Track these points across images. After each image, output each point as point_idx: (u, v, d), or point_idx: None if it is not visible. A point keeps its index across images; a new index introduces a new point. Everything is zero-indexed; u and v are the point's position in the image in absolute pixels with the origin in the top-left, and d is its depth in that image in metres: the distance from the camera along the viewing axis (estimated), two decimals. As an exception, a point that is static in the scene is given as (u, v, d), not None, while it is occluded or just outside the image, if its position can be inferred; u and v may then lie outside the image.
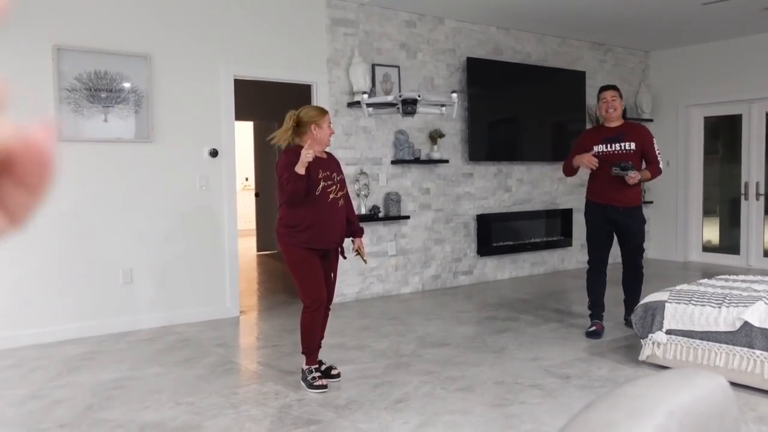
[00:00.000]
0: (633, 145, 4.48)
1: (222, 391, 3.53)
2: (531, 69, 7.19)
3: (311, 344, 3.61)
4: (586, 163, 4.45)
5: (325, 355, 4.12)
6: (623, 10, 6.46)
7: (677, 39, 7.84)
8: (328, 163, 3.61)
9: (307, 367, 3.60)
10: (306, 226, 3.48)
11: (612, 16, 6.70)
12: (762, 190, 7.69)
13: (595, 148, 4.52)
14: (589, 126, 7.86)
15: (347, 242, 3.80)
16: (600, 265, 4.65)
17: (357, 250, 3.80)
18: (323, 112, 3.59)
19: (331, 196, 3.53)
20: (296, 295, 3.58)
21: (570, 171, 4.71)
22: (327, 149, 3.74)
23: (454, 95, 4.31)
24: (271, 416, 3.17)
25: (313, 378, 3.54)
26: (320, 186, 3.49)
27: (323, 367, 3.70)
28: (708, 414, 0.72)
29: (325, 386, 3.53)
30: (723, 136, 8.33)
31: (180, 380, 3.74)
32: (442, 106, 4.45)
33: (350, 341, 4.57)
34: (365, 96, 4.32)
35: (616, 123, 4.57)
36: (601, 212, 4.60)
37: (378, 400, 3.36)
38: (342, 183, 3.65)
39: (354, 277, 6.06)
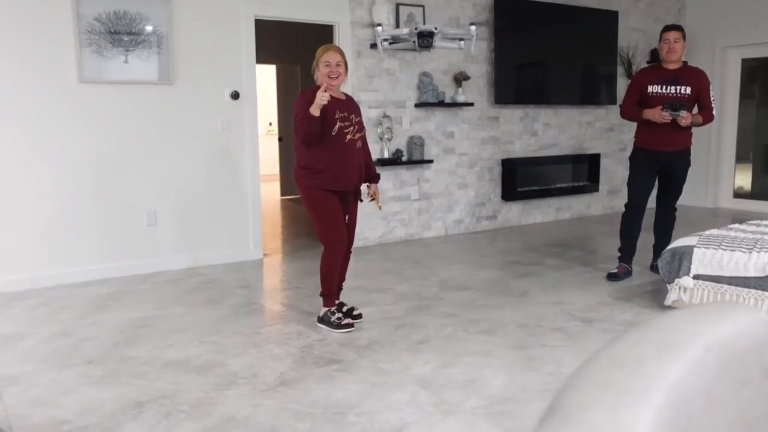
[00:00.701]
0: (689, 89, 4.36)
1: (245, 331, 3.57)
2: (561, 8, 6.93)
3: (331, 286, 3.61)
4: (658, 118, 4.32)
5: (347, 297, 4.13)
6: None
7: (716, -25, 7.47)
8: (346, 105, 3.54)
9: (327, 309, 3.62)
10: (323, 167, 3.44)
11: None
12: (799, 135, 7.42)
13: (650, 88, 4.41)
14: (620, 69, 7.61)
15: (363, 187, 3.76)
16: (640, 209, 4.59)
17: (372, 196, 3.76)
18: (323, 50, 3.47)
19: (348, 137, 3.47)
20: (318, 239, 3.56)
21: (632, 117, 4.55)
22: (348, 92, 3.65)
23: (473, 28, 4.12)
24: (293, 355, 3.20)
25: (339, 318, 3.56)
26: (336, 126, 3.42)
27: (345, 309, 3.71)
28: (747, 350, 0.67)
29: (351, 325, 3.56)
30: (761, 80, 8.01)
31: (204, 320, 3.79)
32: (461, 39, 4.28)
33: (373, 284, 4.57)
34: (379, 29, 4.14)
35: (675, 65, 4.43)
36: (651, 158, 4.50)
37: (399, 341, 3.37)
38: (360, 125, 3.57)
39: (377, 221, 6.04)
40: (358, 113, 3.61)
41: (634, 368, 0.58)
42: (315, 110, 3.28)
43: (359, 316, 3.72)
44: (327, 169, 3.44)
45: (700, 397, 0.59)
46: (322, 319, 3.62)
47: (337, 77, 3.45)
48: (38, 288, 4.57)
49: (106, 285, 4.64)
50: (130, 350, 3.30)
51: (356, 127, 3.53)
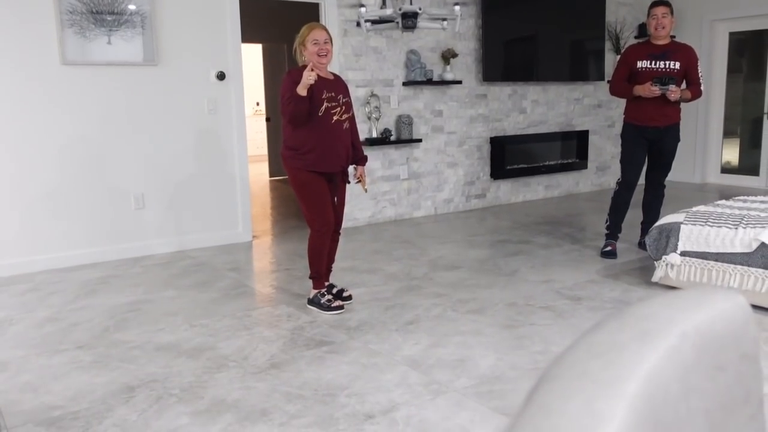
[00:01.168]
0: (677, 65, 4.38)
1: (235, 314, 3.58)
2: (549, -17, 6.87)
3: (320, 268, 3.60)
4: (647, 93, 4.33)
5: (337, 278, 4.14)
6: None
7: (704, -51, 7.43)
8: (333, 85, 3.49)
9: (317, 291, 3.62)
10: (309, 148, 3.40)
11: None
12: (786, 110, 7.45)
13: (639, 64, 4.42)
14: (608, 44, 7.59)
15: (350, 168, 3.73)
16: (632, 186, 4.61)
17: (359, 178, 3.71)
18: (309, 29, 3.41)
19: (335, 118, 3.43)
20: (305, 221, 3.56)
21: (621, 93, 4.55)
22: (335, 70, 3.62)
23: (457, 8, 4.11)
24: (284, 337, 3.21)
25: (329, 300, 3.57)
26: (323, 107, 3.38)
27: (335, 290, 3.72)
28: (724, 334, 0.67)
29: (341, 307, 3.56)
30: (748, 53, 8.01)
31: (194, 303, 3.79)
32: (444, 20, 4.25)
33: (362, 264, 4.58)
34: (363, 9, 4.11)
35: (663, 41, 4.43)
36: (641, 134, 4.52)
37: (389, 322, 3.39)
38: (347, 105, 3.53)
39: (366, 201, 6.03)
40: (346, 93, 3.56)
41: (611, 357, 0.59)
42: (302, 90, 3.24)
43: (349, 297, 3.73)
44: (313, 150, 3.40)
45: (677, 383, 0.60)
46: (312, 301, 3.63)
47: (325, 55, 3.40)
48: (27, 273, 4.55)
49: (96, 269, 4.62)
50: (121, 334, 3.30)
51: (344, 107, 3.48)
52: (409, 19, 3.75)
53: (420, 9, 3.82)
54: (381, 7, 5.69)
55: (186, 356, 3.00)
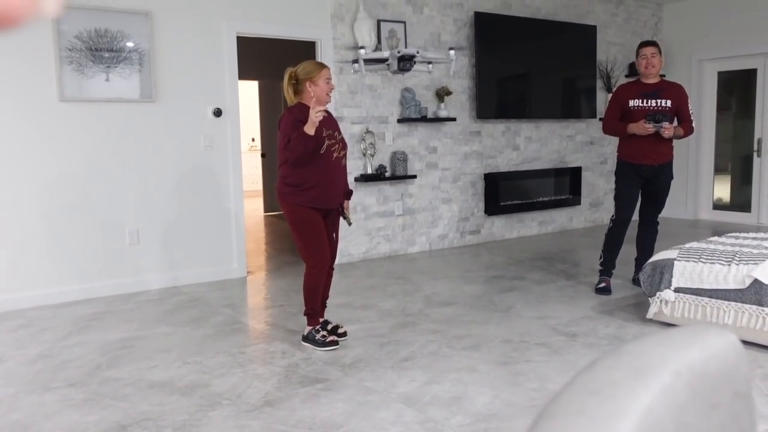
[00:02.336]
0: (669, 102, 4.46)
1: (229, 351, 3.55)
2: (540, 23, 7.02)
3: (315, 305, 3.59)
4: (641, 130, 4.39)
5: (332, 314, 4.13)
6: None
7: (692, -9, 7.62)
8: (330, 122, 3.52)
9: (311, 327, 3.60)
10: (312, 185, 3.40)
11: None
12: (775, 147, 7.56)
13: (631, 103, 4.48)
14: (599, 83, 7.72)
15: None
16: (627, 223, 4.64)
17: (344, 211, 3.70)
18: (320, 66, 3.45)
19: (335, 155, 3.46)
20: (301, 257, 3.56)
21: (615, 132, 4.61)
22: (331, 107, 3.66)
23: (452, 52, 4.21)
24: (278, 375, 3.19)
25: (323, 337, 3.55)
26: (325, 144, 3.40)
27: (330, 326, 3.70)
28: (717, 373, 0.68)
29: (336, 343, 3.54)
30: (737, 92, 8.15)
31: (188, 340, 3.77)
32: (429, 63, 4.36)
33: (357, 300, 4.57)
34: (362, 51, 4.20)
35: (653, 79, 4.51)
36: (635, 172, 4.57)
37: (384, 359, 3.37)
38: (343, 142, 3.57)
39: (361, 236, 6.05)
40: (340, 130, 3.61)
41: (607, 395, 0.60)
42: (311, 129, 3.24)
43: (344, 333, 3.71)
44: (315, 187, 3.41)
45: (671, 421, 0.60)
46: (307, 338, 3.61)
47: (330, 94, 3.48)
48: (19, 309, 4.51)
49: (89, 305, 4.59)
50: (113, 372, 3.27)
51: (340, 144, 3.53)
52: (406, 62, 3.84)
53: (417, 52, 3.92)
54: (375, 49, 5.80)
55: (179, 394, 2.97)
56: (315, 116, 3.22)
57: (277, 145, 3.49)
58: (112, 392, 3.01)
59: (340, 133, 3.58)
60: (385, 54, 4.07)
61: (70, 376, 3.23)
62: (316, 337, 3.55)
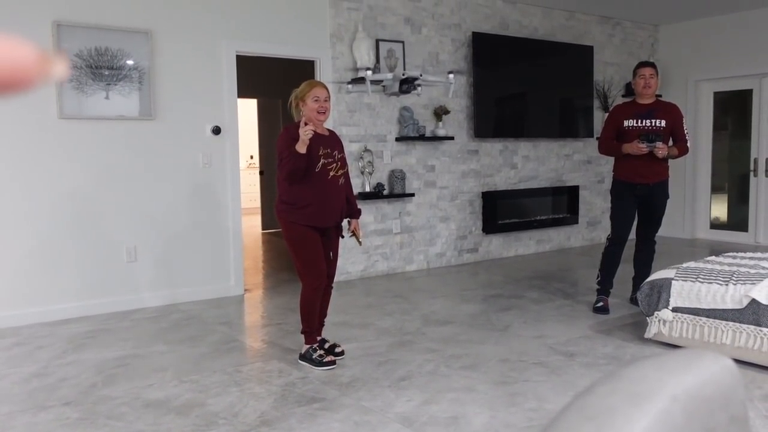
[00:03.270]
0: (663, 122, 4.49)
1: (226, 369, 3.54)
2: (538, 44, 7.08)
3: (311, 323, 3.58)
4: (635, 150, 4.42)
5: (329, 333, 4.12)
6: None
7: (687, 12, 7.70)
8: (329, 141, 3.54)
9: (308, 346, 3.59)
10: (306, 203, 3.43)
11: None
12: (771, 167, 7.59)
13: (626, 123, 4.52)
14: (596, 102, 7.77)
15: (344, 222, 3.76)
16: (623, 243, 4.66)
17: (353, 231, 3.74)
18: (310, 86, 3.49)
19: (331, 174, 3.47)
20: (297, 275, 3.57)
21: (610, 152, 4.65)
22: (329, 126, 3.70)
23: (451, 76, 4.29)
24: (275, 394, 3.17)
25: (320, 356, 3.53)
26: (320, 163, 3.42)
27: (327, 345, 3.69)
28: (714, 398, 0.68)
29: (333, 362, 3.53)
30: (733, 112, 8.21)
31: (184, 358, 3.75)
32: (419, 85, 4.42)
33: (354, 319, 4.56)
34: (369, 72, 4.27)
35: (649, 100, 4.55)
36: (631, 191, 4.59)
37: (382, 378, 3.35)
38: (343, 161, 3.57)
39: (358, 255, 6.04)
40: (341, 149, 3.61)
41: (604, 420, 0.60)
42: (301, 147, 3.27)
43: (342, 353, 3.69)
44: (310, 205, 3.43)
45: (668, 447, 0.60)
46: (304, 357, 3.59)
47: (324, 112, 3.48)
48: (14, 326, 4.49)
49: (86, 323, 4.57)
50: (109, 390, 3.25)
51: (339, 163, 3.53)
52: (408, 85, 3.90)
53: (420, 75, 3.98)
54: (373, 69, 5.84)
55: (175, 413, 2.95)
56: (303, 134, 3.26)
57: (276, 162, 3.52)
58: (108, 411, 2.98)
59: (341, 152, 3.59)
60: (389, 75, 4.13)
61: (65, 395, 3.20)
62: (313, 356, 3.54)
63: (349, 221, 3.74)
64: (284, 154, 3.33)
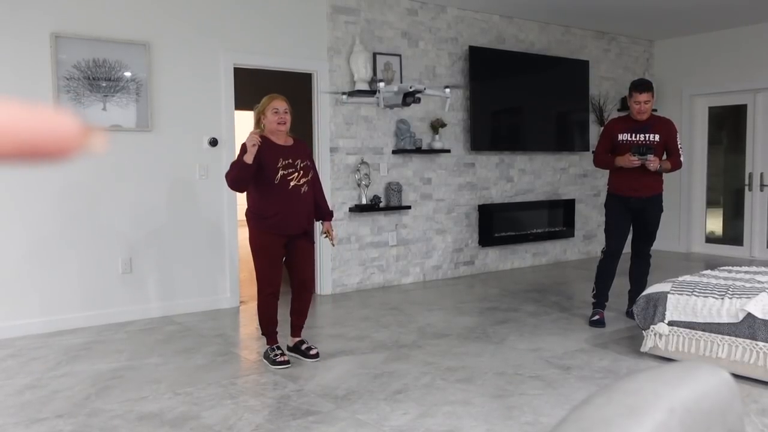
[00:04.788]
0: (657, 137, 4.52)
1: (221, 382, 3.52)
2: (534, 58, 7.12)
3: (268, 327, 3.80)
4: (627, 163, 4.45)
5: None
6: (627, -2, 6.38)
7: (682, 28, 7.76)
8: (292, 150, 3.69)
9: (268, 346, 3.82)
10: (271, 213, 3.60)
11: (616, 4, 6.63)
12: (767, 181, 7.63)
13: (620, 136, 4.55)
14: (592, 116, 7.80)
15: (317, 224, 3.98)
16: (617, 255, 4.67)
17: (326, 233, 3.93)
18: (269, 99, 3.67)
19: (292, 184, 3.62)
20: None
21: (604, 165, 4.68)
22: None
23: (447, 90, 4.44)
24: (270, 407, 3.15)
25: (276, 355, 3.74)
26: (279, 174, 3.58)
27: (304, 347, 3.90)
28: (711, 410, 0.68)
29: (287, 362, 3.72)
30: (727, 126, 8.26)
31: (179, 370, 3.73)
32: (419, 98, 4.58)
33: (350, 331, 4.54)
34: (381, 84, 4.42)
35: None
36: (625, 204, 4.61)
37: (377, 391, 3.34)
38: (306, 169, 3.71)
39: (355, 267, 6.03)
40: (306, 157, 3.75)
41: (601, 433, 0.60)
42: (249, 158, 3.46)
43: (316, 355, 3.86)
44: (274, 216, 3.60)
45: (665, 460, 0.60)
46: (265, 355, 3.83)
47: (284, 123, 3.65)
48: (7, 338, 4.46)
49: (80, 334, 4.55)
50: (102, 403, 3.23)
51: (302, 172, 3.67)
52: (413, 97, 4.01)
53: (424, 88, 4.12)
54: (371, 81, 5.87)
55: (169, 426, 2.93)
56: (249, 143, 3.45)
57: None
58: (101, 424, 2.96)
59: (306, 159, 3.72)
60: (394, 89, 4.28)
61: (58, 407, 3.18)
62: (270, 355, 3.77)
63: (322, 223, 3.94)
64: (233, 162, 3.55)
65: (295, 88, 5.35)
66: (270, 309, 3.76)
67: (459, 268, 6.79)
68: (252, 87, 8.22)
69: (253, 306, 5.48)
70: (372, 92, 4.33)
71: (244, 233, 9.26)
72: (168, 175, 5.09)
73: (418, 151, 6.27)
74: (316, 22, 5.74)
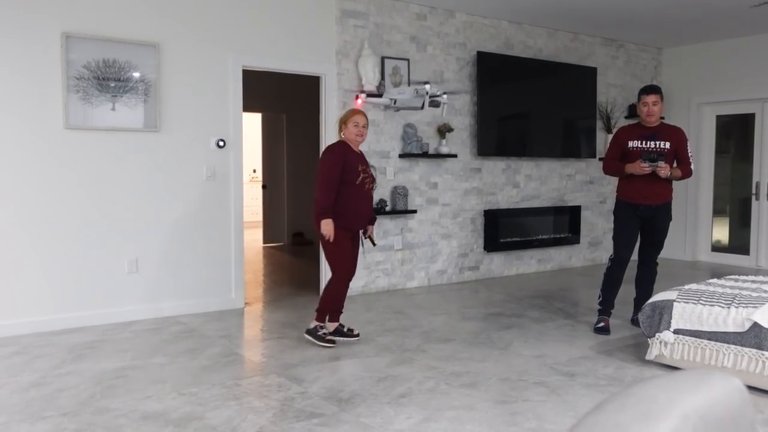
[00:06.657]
0: (668, 145, 4.51)
1: (225, 383, 3.52)
2: (542, 64, 7.13)
3: (329, 307, 4.20)
4: (638, 170, 4.44)
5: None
6: (636, 5, 6.38)
7: (690, 36, 7.75)
8: (363, 159, 4.24)
9: (317, 323, 4.20)
10: (349, 210, 4.10)
11: (625, 11, 6.63)
12: (773, 191, 7.60)
13: (630, 143, 4.54)
14: (599, 124, 7.80)
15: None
16: (625, 263, 4.64)
17: (369, 236, 4.38)
18: (351, 113, 4.19)
19: (367, 186, 4.18)
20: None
21: (614, 172, 4.67)
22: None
23: (445, 96, 4.79)
24: (274, 408, 3.15)
25: (324, 333, 4.16)
26: (360, 177, 4.12)
27: (345, 329, 4.33)
28: (723, 418, 0.68)
29: (333, 342, 4.15)
30: (735, 135, 8.24)
31: (183, 371, 3.73)
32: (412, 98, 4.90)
33: (355, 335, 4.54)
34: (396, 90, 4.81)
35: (654, 123, 4.57)
36: (634, 212, 4.59)
37: (381, 395, 3.34)
38: (372, 176, 4.28)
39: (360, 270, 6.02)
40: (368, 166, 4.29)
41: (614, 438, 0.60)
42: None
43: (357, 335, 4.35)
44: (350, 212, 4.11)
45: (679, 466, 0.60)
46: (310, 331, 4.21)
47: (361, 135, 4.18)
48: (13, 335, 4.48)
49: (85, 333, 4.56)
50: (107, 402, 3.24)
51: (370, 177, 4.25)
52: (435, 98, 4.35)
53: (444, 93, 4.45)
54: (379, 85, 5.88)
55: (173, 426, 2.93)
56: (326, 232, 4.08)
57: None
58: (105, 423, 2.97)
59: (369, 168, 4.26)
60: (421, 89, 4.72)
61: (62, 405, 3.19)
62: (319, 333, 4.17)
63: (366, 227, 4.36)
64: (326, 174, 4.03)
65: (303, 92, 5.35)
66: (343, 293, 4.24)
67: (464, 273, 6.78)
68: (259, 89, 8.25)
69: (258, 308, 5.48)
70: (379, 95, 4.43)
71: (249, 235, 9.26)
72: (175, 175, 5.11)
73: (425, 155, 6.27)
74: (325, 26, 5.76)
